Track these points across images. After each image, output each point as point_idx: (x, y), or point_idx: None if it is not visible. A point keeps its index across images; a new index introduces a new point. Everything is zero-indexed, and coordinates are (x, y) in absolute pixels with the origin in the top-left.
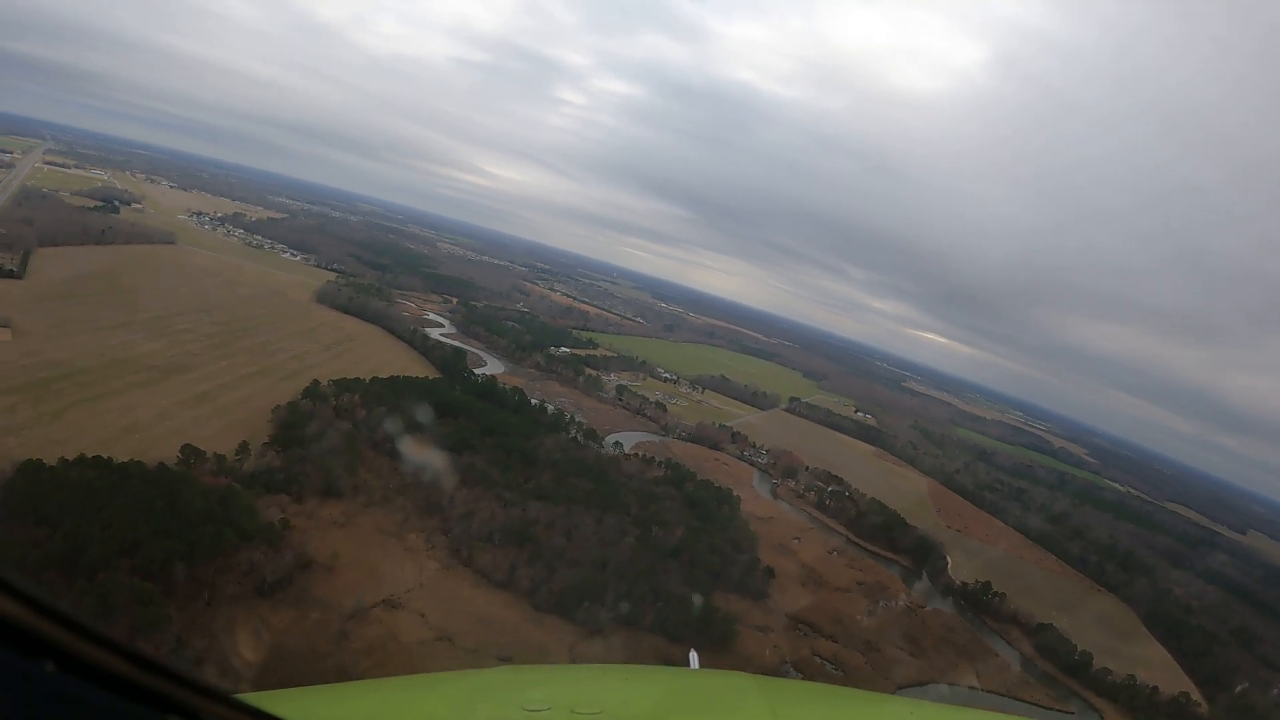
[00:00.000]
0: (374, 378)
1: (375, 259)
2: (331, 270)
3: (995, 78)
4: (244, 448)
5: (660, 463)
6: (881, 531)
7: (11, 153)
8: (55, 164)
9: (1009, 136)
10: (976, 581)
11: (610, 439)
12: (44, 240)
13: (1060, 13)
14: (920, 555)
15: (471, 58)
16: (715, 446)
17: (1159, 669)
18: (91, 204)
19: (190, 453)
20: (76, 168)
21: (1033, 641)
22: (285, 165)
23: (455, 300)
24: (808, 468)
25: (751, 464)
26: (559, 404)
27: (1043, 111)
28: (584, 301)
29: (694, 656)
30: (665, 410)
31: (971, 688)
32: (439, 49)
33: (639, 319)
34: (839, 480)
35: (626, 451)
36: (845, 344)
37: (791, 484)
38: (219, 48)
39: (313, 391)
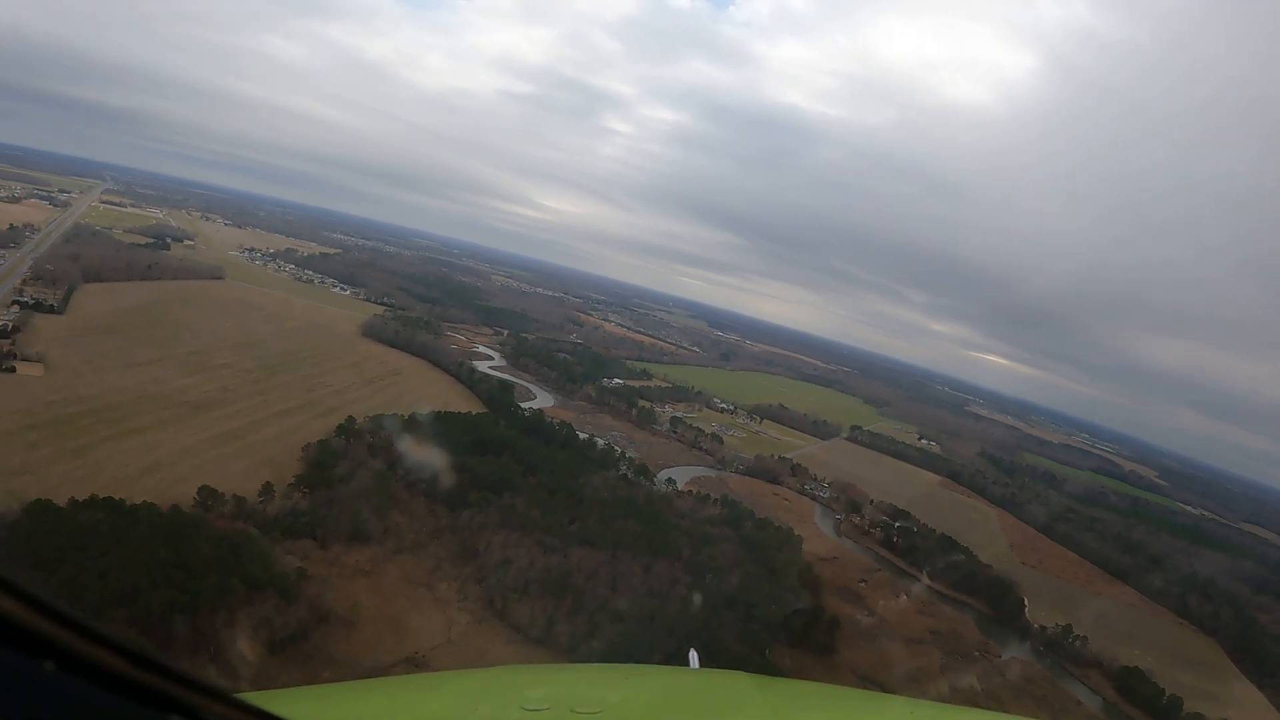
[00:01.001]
0: (413, 413)
1: (425, 292)
2: (381, 304)
3: (1047, 84)
4: (267, 489)
5: (716, 500)
6: (953, 571)
7: (70, 193)
8: (112, 203)
9: (1066, 146)
10: (1056, 625)
11: (663, 474)
12: (89, 276)
13: (1110, 11)
14: (995, 596)
15: (518, 90)
16: (774, 480)
17: (1252, 709)
18: (143, 241)
19: (207, 494)
20: (133, 206)
21: (1116, 686)
22: (341, 202)
23: (506, 332)
24: (872, 501)
25: (813, 498)
26: (610, 438)
27: (1099, 116)
28: (639, 331)
29: (694, 656)
30: (722, 442)
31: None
32: (486, 82)
33: (695, 348)
34: (906, 514)
35: (680, 488)
36: (905, 369)
37: (856, 520)
38: (271, 88)
39: (346, 428)
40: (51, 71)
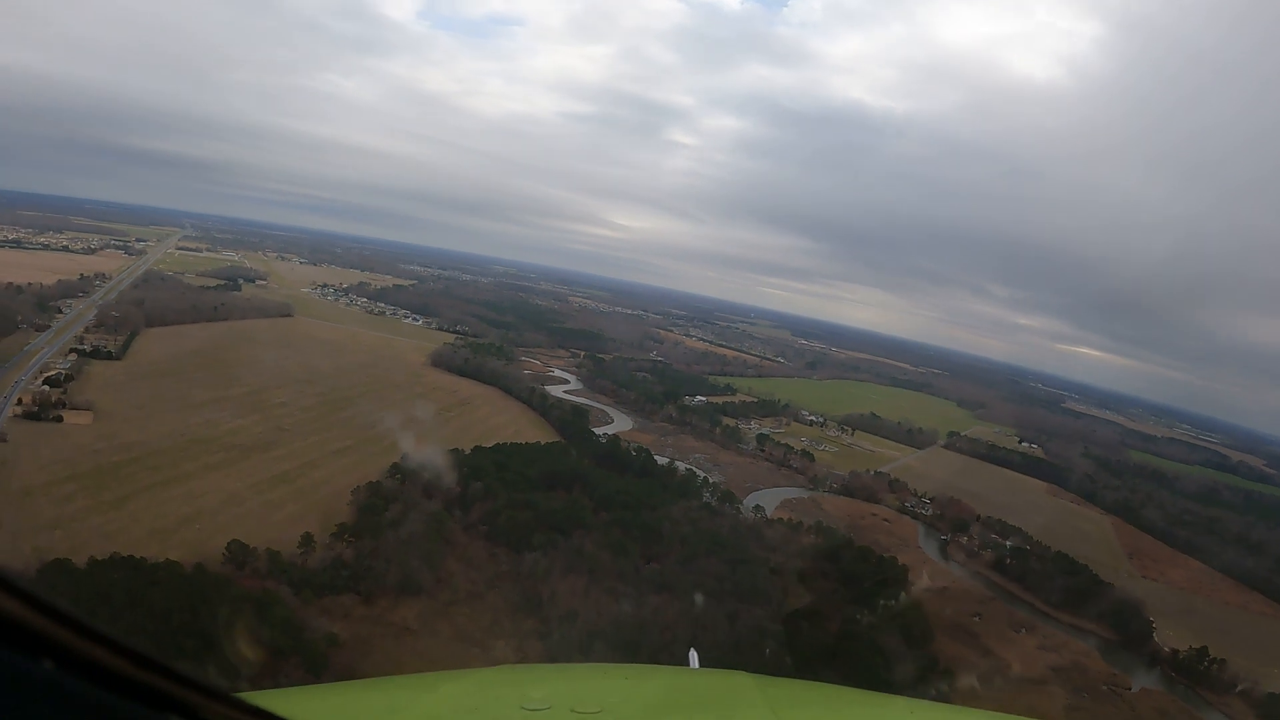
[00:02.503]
0: (476, 447)
1: (499, 317)
2: (453, 332)
3: (1114, 48)
4: (308, 540)
5: (809, 528)
6: (1072, 595)
7: (147, 242)
8: (188, 249)
9: (1139, 111)
10: (1189, 648)
11: (750, 500)
12: (153, 320)
13: None
14: (1119, 619)
15: (580, 110)
16: (872, 499)
17: None
18: (213, 283)
19: (238, 550)
20: (209, 251)
21: (1260, 715)
22: (418, 235)
23: (583, 354)
24: (979, 517)
25: (915, 517)
26: (692, 461)
27: (1171, 72)
28: (721, 345)
29: (694, 655)
30: (812, 459)
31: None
32: (548, 105)
33: (779, 359)
34: (1017, 531)
35: (769, 515)
36: (995, 367)
37: (963, 540)
38: (339, 126)
39: (402, 467)
40: (134, 128)
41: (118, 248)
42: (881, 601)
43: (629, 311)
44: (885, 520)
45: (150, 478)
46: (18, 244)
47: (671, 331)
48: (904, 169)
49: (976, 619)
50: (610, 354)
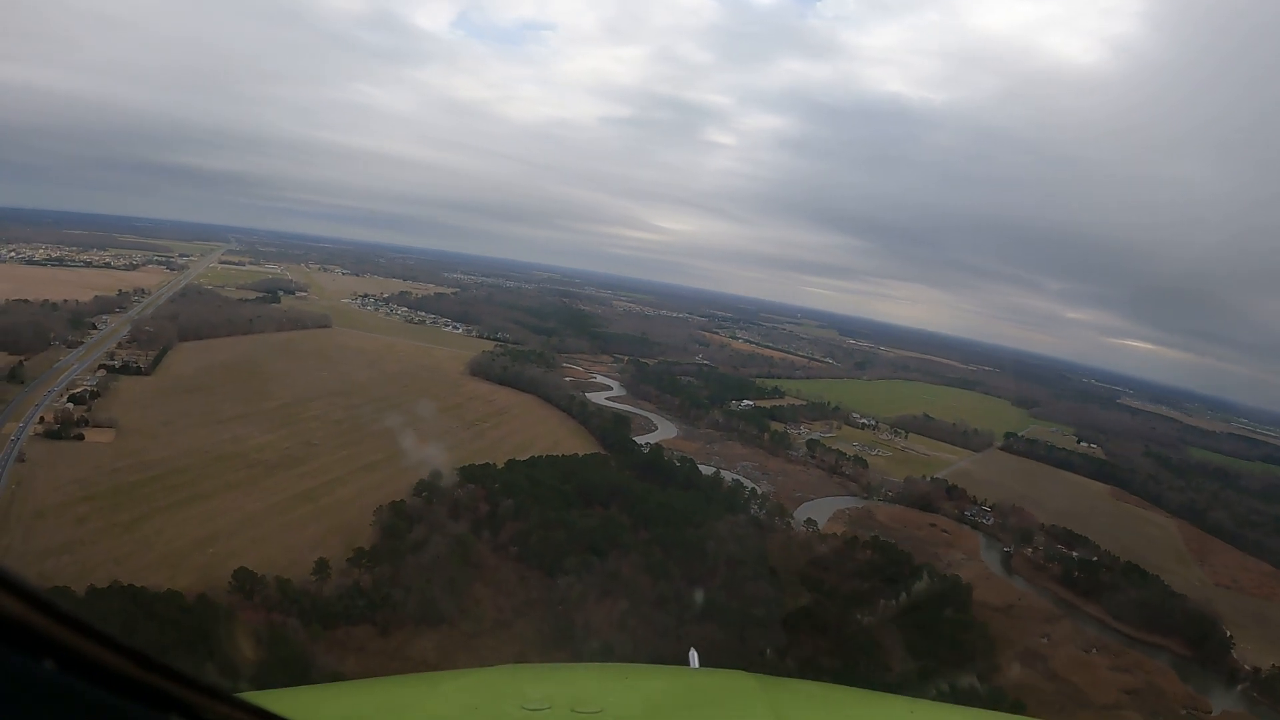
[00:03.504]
0: (509, 461)
1: (541, 324)
2: (494, 339)
3: (1162, 26)
4: (322, 566)
5: (865, 543)
6: (1144, 608)
7: (190, 257)
8: (231, 263)
9: (1190, 94)
10: (1272, 665)
11: (801, 511)
12: (187, 335)
13: None
14: (1195, 633)
15: (617, 114)
16: (929, 507)
17: None
18: (252, 296)
19: (245, 578)
20: (251, 264)
21: None
22: (461, 244)
23: (626, 359)
24: (1044, 526)
25: (975, 526)
26: (739, 470)
27: (1227, 47)
28: (767, 346)
29: (694, 655)
30: (865, 465)
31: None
32: (584, 110)
33: (828, 359)
34: (1082, 540)
35: (820, 529)
36: (1045, 362)
37: (1027, 551)
38: (377, 138)
39: (429, 484)
40: (177, 146)
41: (160, 263)
42: (945, 629)
43: (673, 314)
44: (944, 531)
45: (168, 498)
46: (60, 262)
47: (717, 334)
48: (946, 161)
49: (1044, 640)
50: (654, 358)
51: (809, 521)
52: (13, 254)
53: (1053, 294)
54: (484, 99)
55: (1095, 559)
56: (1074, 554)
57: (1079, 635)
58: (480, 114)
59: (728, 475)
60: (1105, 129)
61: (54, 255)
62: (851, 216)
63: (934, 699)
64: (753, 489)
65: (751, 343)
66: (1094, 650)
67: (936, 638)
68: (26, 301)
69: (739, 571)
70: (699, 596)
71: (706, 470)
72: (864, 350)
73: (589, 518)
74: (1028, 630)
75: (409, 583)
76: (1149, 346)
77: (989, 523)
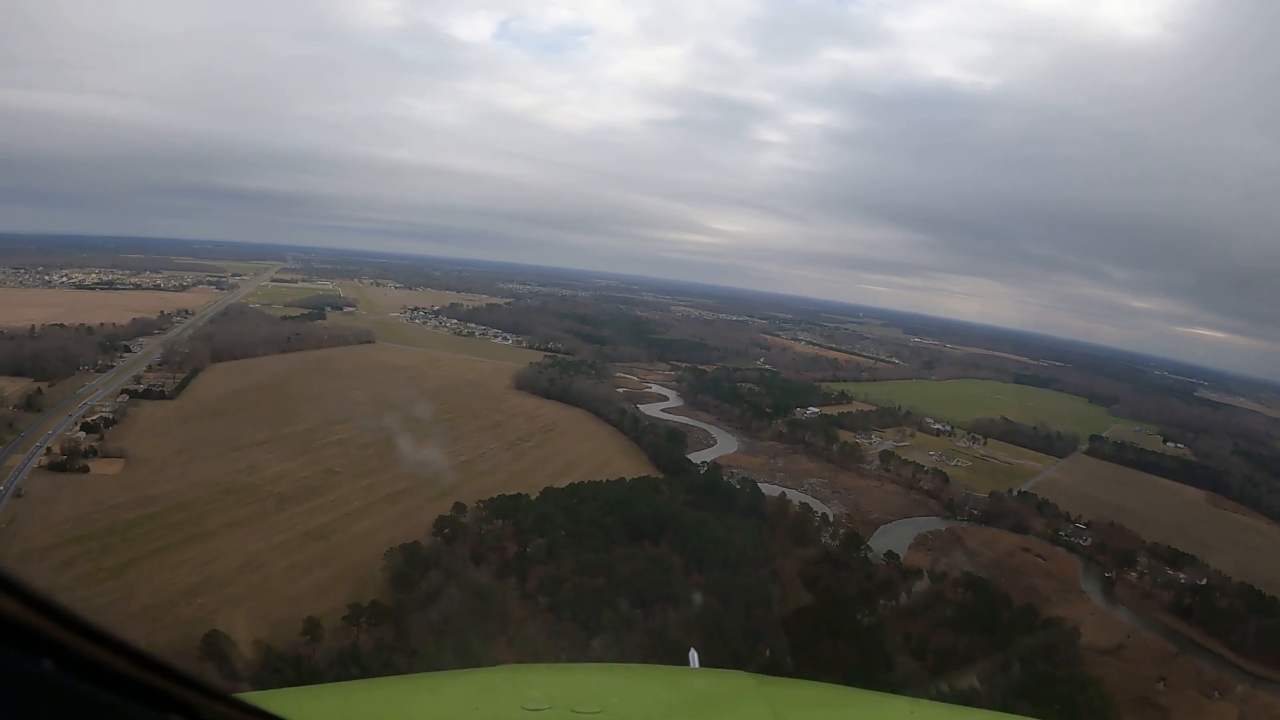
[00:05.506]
0: (546, 489)
1: (595, 331)
2: (545, 350)
3: None
4: (313, 626)
5: (955, 580)
6: (1269, 639)
7: (243, 276)
8: (283, 280)
9: (1260, 63)
10: None
11: (879, 537)
12: (221, 355)
13: None
14: None
15: (663, 116)
16: (1019, 527)
17: None
18: (297, 313)
19: (217, 643)
20: (304, 281)
21: None
22: (517, 254)
23: (684, 366)
24: (1146, 545)
25: (1071, 549)
26: (807, 488)
27: None
28: (831, 348)
29: (694, 655)
30: (946, 480)
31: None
32: (631, 114)
33: (894, 359)
34: (1189, 559)
35: (902, 561)
36: (1113, 355)
37: (1132, 577)
38: (428, 151)
39: (451, 520)
40: (228, 169)
41: (210, 283)
42: (1054, 688)
43: (732, 318)
44: (1039, 557)
45: (165, 538)
46: (110, 285)
47: (778, 336)
48: (1003, 149)
49: (1161, 685)
50: (713, 365)
51: (890, 555)
52: (64, 279)
53: (1118, 283)
54: (529, 107)
55: (1205, 581)
56: (1182, 577)
57: (1199, 675)
58: (527, 123)
59: (794, 496)
60: (1163, 101)
61: (105, 279)
62: (907, 209)
63: None
64: (824, 514)
65: (814, 344)
66: (1217, 694)
67: (1044, 699)
68: (62, 326)
69: (808, 626)
70: (764, 652)
71: (771, 490)
72: (930, 349)
73: (634, 558)
74: (1141, 675)
75: (415, 644)
76: (1221, 335)
77: (1086, 543)
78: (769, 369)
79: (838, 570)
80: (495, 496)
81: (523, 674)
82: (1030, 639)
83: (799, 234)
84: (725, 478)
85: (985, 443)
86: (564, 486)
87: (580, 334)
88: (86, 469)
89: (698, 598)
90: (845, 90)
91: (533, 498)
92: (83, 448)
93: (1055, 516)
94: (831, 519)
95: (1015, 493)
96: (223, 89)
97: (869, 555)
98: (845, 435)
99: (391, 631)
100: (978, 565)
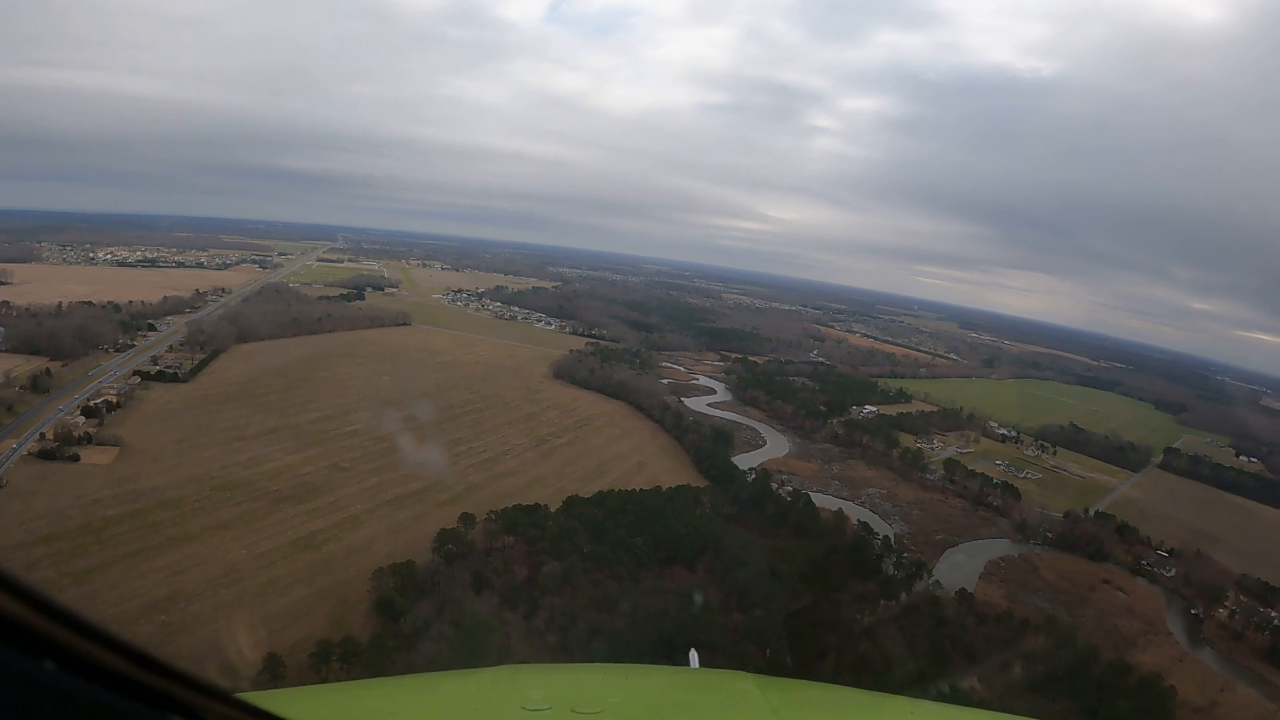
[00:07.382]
0: (570, 499)
1: (643, 318)
2: (588, 336)
3: None
4: (275, 663)
5: (1032, 624)
6: None
7: (289, 255)
8: (329, 260)
9: None
10: None
11: (945, 562)
12: (246, 336)
13: None
14: None
15: (714, 100)
16: (1098, 554)
17: None
18: (335, 293)
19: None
20: (350, 261)
21: None
22: (567, 238)
23: (734, 357)
24: (1233, 577)
25: (1154, 580)
26: (864, 500)
27: None
28: (887, 341)
29: (694, 655)
30: (1017, 496)
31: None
32: (681, 97)
33: (952, 355)
34: None
35: (972, 594)
36: (1173, 357)
37: (1221, 615)
38: (481, 133)
39: (455, 536)
40: (283, 149)
41: (254, 262)
42: None
43: (785, 307)
44: (1120, 590)
45: (142, 540)
46: (153, 263)
47: (832, 328)
48: (1064, 138)
49: None
50: (764, 356)
51: (961, 593)
52: (108, 256)
53: (1180, 282)
54: (579, 90)
55: None
56: (1274, 615)
57: None
58: (577, 106)
59: (852, 510)
60: (1231, 87)
61: (149, 257)
62: (963, 199)
63: None
64: (883, 538)
65: (870, 337)
66: None
67: None
68: (89, 304)
69: (868, 671)
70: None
71: (825, 502)
72: (988, 345)
73: (664, 590)
74: None
75: None
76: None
77: (1169, 574)
78: (823, 362)
79: (902, 614)
80: (510, 506)
81: (523, 674)
82: (1122, 703)
83: (851, 222)
84: (775, 488)
85: (1055, 453)
86: (590, 495)
87: (627, 320)
88: (77, 458)
89: (738, 644)
90: (899, 75)
91: (552, 509)
92: (78, 434)
93: (1136, 543)
94: (893, 541)
95: (1091, 512)
96: (281, 70)
97: (935, 589)
98: (905, 439)
99: (362, 676)
100: (1057, 601)
